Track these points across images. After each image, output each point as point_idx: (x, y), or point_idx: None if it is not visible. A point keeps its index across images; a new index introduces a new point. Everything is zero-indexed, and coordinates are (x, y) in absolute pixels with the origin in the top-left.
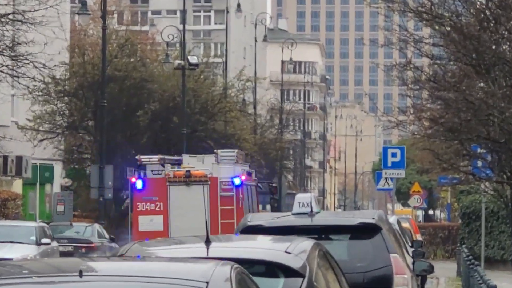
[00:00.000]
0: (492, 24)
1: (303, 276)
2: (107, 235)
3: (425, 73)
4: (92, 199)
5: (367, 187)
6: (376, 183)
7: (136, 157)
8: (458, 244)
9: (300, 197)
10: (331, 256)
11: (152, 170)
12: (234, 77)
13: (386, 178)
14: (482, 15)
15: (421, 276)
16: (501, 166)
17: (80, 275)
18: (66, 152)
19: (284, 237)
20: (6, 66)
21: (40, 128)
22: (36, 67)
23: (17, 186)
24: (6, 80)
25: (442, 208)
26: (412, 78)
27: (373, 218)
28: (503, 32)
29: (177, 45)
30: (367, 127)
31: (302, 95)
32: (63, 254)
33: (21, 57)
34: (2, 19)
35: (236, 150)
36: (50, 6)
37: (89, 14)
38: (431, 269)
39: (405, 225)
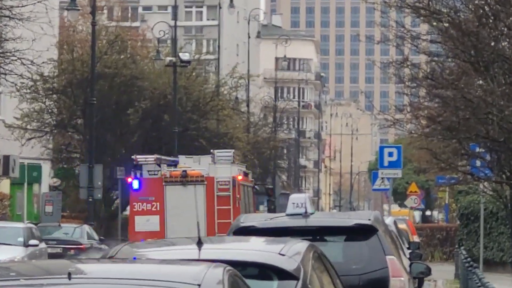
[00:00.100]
0: (491, 20)
1: (297, 278)
2: (96, 236)
3: (423, 71)
4: (81, 200)
5: (363, 187)
6: (372, 183)
7: (132, 157)
8: (456, 246)
9: (294, 197)
10: (326, 258)
11: (148, 170)
12: (226, 75)
13: (382, 178)
14: (481, 11)
15: (418, 279)
16: (500, 166)
17: (69, 277)
18: (54, 151)
19: (278, 238)
20: None
21: (28, 127)
22: (24, 64)
23: (5, 186)
24: None
25: (439, 209)
26: (409, 75)
27: (369, 219)
28: (503, 28)
29: (168, 41)
30: (363, 125)
31: (296, 93)
32: (52, 256)
33: (8, 54)
34: None
35: (233, 150)
36: (38, 1)
37: (79, 9)
38: (428, 272)
39: (402, 226)
